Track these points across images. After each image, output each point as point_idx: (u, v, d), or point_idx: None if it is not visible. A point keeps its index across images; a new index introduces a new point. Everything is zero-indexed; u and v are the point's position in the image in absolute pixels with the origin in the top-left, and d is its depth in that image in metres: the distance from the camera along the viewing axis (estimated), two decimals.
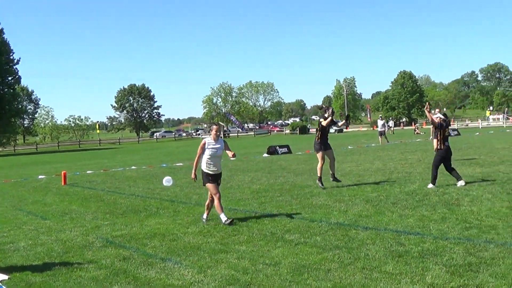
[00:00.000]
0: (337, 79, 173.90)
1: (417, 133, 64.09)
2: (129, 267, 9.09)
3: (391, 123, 77.66)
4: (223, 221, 12.10)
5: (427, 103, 17.17)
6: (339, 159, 28.88)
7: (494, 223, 10.69)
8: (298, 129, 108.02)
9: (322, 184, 17.14)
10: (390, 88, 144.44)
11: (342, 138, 66.14)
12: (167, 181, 14.57)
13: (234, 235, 11.05)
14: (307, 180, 19.73)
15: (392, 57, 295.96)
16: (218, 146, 12.54)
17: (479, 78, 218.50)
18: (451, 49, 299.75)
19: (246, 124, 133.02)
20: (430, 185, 16.02)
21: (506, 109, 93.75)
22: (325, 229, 11.04)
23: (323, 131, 17.37)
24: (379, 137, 44.91)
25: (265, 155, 37.61)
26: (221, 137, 13.38)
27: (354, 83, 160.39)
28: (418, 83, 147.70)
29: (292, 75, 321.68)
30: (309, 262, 8.68)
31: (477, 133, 56.12)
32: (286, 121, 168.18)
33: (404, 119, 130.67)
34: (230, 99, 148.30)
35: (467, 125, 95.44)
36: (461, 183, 15.91)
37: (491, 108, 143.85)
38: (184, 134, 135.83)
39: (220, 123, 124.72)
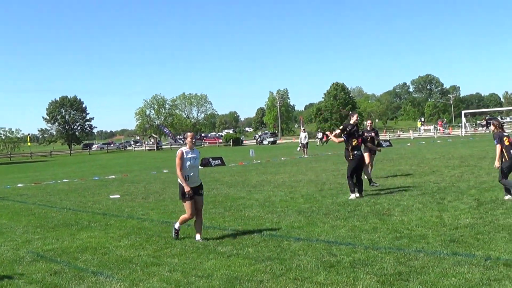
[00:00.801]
0: (270, 91, 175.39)
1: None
2: (60, 282, 8.89)
3: (319, 135, 78.35)
4: (175, 227, 11.91)
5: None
6: (272, 170, 29.06)
7: (424, 232, 10.86)
8: (231, 141, 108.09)
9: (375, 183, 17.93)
10: (323, 99, 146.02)
11: (275, 149, 66.49)
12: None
13: (167, 248, 10.93)
14: (240, 192, 19.73)
15: (325, 69, 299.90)
16: (195, 155, 11.67)
17: (411, 89, 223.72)
18: (383, 61, 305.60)
19: (179, 136, 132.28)
20: (352, 195, 16.32)
21: (444, 120, 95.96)
22: (257, 241, 11.02)
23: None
24: (303, 149, 45.28)
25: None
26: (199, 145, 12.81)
27: (287, 95, 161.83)
28: (350, 95, 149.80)
29: (226, 87, 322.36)
30: (241, 274, 8.63)
31: (409, 144, 57.21)
32: (220, 133, 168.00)
33: (337, 131, 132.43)
34: (163, 111, 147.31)
35: (399, 136, 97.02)
36: (352, 196, 16.31)
37: (422, 119, 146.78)
38: (131, 146, 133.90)
39: (154, 135, 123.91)
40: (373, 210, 13.93)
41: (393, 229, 11.30)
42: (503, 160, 14.32)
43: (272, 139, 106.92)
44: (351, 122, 17.76)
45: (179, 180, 11.62)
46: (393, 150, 44.00)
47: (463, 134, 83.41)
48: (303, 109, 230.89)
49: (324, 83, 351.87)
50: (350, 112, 19.95)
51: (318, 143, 72.25)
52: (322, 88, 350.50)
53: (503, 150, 14.25)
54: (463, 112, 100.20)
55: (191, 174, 11.54)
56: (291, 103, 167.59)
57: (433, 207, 13.77)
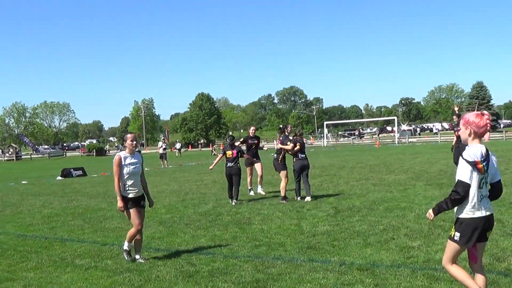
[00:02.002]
0: (135, 100, 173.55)
1: (214, 154, 65.28)
2: None
3: (178, 145, 78.39)
4: (124, 247, 10.22)
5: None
6: None
7: (282, 240, 11.07)
8: (94, 151, 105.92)
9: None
10: (189, 109, 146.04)
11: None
12: None
13: (22, 262, 10.53)
14: (101, 203, 19.35)
15: (191, 79, 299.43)
16: (136, 160, 10.20)
17: (276, 100, 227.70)
18: (249, 72, 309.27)
19: (41, 146, 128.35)
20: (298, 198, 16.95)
21: (326, 130, 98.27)
22: (116, 253, 10.83)
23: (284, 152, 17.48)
24: (163, 160, 45.05)
25: (59, 178, 36.43)
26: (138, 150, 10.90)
27: (153, 104, 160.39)
28: (216, 105, 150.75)
29: (89, 95, 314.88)
30: (99, 287, 8.47)
31: (273, 154, 58.07)
32: (83, 143, 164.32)
33: (202, 141, 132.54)
34: (24, 119, 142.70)
35: (263, 146, 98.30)
36: (284, 201, 16.71)
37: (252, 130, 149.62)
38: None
39: (13, 145, 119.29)
40: (234, 219, 14.07)
41: (253, 238, 11.45)
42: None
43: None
44: (250, 134, 19.46)
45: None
46: None
47: (325, 145, 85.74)
48: (169, 119, 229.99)
49: (190, 93, 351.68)
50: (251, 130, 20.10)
51: (178, 154, 71.95)
52: (188, 98, 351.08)
53: None
54: (325, 123, 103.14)
55: (131, 182, 10.07)
56: (157, 113, 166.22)
57: (292, 215, 14.07)
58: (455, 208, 6.14)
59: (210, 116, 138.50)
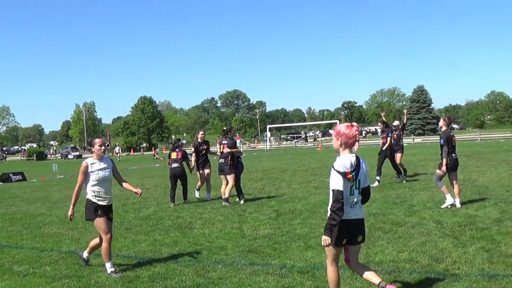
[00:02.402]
0: (76, 103, 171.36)
1: (156, 158, 64.96)
2: None
3: (117, 149, 77.62)
4: (109, 271, 9.29)
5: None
6: (67, 185, 28.30)
7: (224, 244, 11.09)
8: (35, 155, 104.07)
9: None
10: (131, 113, 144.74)
11: (73, 164, 64.50)
12: None
13: None
14: (40, 208, 19.04)
15: (134, 83, 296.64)
16: (105, 166, 9.57)
17: (219, 104, 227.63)
18: (192, 76, 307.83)
19: None
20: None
21: (269, 133, 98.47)
22: (55, 258, 10.68)
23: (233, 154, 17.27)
24: None
25: None
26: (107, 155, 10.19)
27: (94, 108, 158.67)
28: (158, 109, 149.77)
29: (29, 98, 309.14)
30: None
31: (215, 157, 57.95)
32: (23, 147, 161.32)
33: (144, 145, 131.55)
34: None
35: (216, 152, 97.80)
36: (227, 203, 16.74)
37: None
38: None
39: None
40: (175, 223, 14.03)
41: (194, 242, 11.45)
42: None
43: (77, 153, 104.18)
44: (198, 140, 19.14)
45: (87, 197, 9.57)
46: None
47: (267, 148, 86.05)
48: (111, 123, 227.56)
49: (132, 96, 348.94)
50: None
51: (117, 158, 71.22)
52: (130, 101, 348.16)
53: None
54: (268, 126, 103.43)
55: (103, 189, 9.51)
56: (98, 116, 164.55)
57: (234, 219, 14.09)
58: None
59: (152, 120, 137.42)
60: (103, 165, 9.53)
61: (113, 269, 9.28)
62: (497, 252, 9.29)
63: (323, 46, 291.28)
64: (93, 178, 9.41)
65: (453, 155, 14.02)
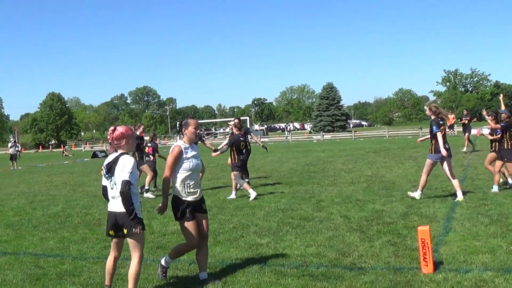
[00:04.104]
0: None
1: (65, 155, 63.83)
2: None
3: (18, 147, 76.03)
4: (162, 263, 8.39)
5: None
6: None
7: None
8: None
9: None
10: (39, 110, 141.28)
11: None
12: None
13: None
14: None
15: (42, 79, 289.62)
16: (196, 153, 8.19)
17: (129, 100, 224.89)
18: (101, 72, 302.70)
19: None
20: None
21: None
22: None
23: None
24: (13, 161, 43.26)
25: None
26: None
27: (1, 104, 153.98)
28: (67, 105, 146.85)
29: None
30: None
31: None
32: None
33: (53, 142, 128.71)
34: None
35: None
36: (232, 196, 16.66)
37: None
38: None
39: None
40: (84, 220, 13.92)
41: (103, 239, 11.37)
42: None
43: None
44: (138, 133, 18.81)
45: (175, 192, 8.07)
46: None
47: None
48: (19, 119, 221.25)
49: (40, 92, 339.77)
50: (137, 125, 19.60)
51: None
52: (39, 98, 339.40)
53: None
54: (178, 123, 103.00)
55: (193, 182, 8.04)
56: (6, 113, 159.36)
57: (143, 215, 14.03)
58: None
59: (61, 117, 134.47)
60: (194, 151, 8.13)
61: (165, 265, 8.40)
62: (402, 245, 9.60)
63: (233, 43, 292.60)
64: (185, 166, 7.93)
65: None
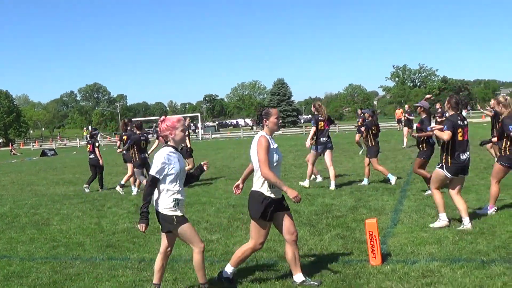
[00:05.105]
0: None
1: (14, 153, 62.82)
2: None
3: None
4: (224, 274, 7.66)
5: None
6: None
7: (82, 240, 11.00)
8: None
9: None
10: None
11: None
12: None
13: None
14: None
15: None
16: (277, 146, 7.53)
17: (78, 98, 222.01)
18: (50, 69, 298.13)
19: None
20: None
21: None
22: None
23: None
24: None
25: None
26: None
27: None
28: (15, 103, 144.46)
29: None
30: None
31: (74, 152, 56.89)
32: None
33: (1, 140, 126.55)
34: None
35: (65, 145, 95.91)
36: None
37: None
38: None
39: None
40: (32, 220, 13.70)
41: (51, 239, 11.25)
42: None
43: None
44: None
45: (255, 187, 7.33)
46: (58, 159, 43.63)
47: None
48: None
49: None
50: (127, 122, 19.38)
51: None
52: None
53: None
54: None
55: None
56: None
57: (92, 214, 13.96)
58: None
59: (8, 114, 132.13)
60: (275, 144, 7.44)
61: (229, 277, 7.61)
62: (351, 238, 9.75)
63: (184, 39, 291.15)
64: (271, 159, 7.22)
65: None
